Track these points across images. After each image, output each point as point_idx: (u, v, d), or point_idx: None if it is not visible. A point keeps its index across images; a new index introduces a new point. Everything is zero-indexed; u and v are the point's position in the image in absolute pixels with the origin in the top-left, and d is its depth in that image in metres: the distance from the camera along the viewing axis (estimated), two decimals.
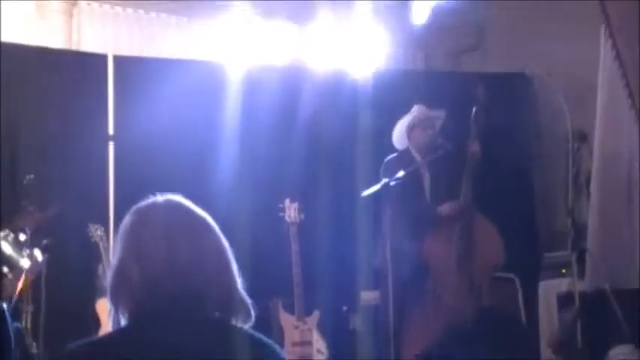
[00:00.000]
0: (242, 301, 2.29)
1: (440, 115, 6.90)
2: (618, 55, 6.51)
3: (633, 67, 6.21)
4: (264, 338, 2.29)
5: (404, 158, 6.82)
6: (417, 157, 6.85)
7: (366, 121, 7.19)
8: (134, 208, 2.33)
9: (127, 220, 2.31)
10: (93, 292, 6.40)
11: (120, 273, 2.26)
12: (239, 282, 2.31)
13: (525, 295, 7.20)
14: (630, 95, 6.41)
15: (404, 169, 6.50)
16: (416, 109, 6.90)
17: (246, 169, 7.07)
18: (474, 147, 6.63)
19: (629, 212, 6.95)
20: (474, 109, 6.66)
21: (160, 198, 2.36)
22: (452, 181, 6.67)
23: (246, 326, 2.29)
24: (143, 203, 2.33)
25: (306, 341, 6.68)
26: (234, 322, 2.27)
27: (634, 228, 6.90)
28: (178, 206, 2.34)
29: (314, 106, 7.33)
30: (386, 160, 6.81)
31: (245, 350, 2.24)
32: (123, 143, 7.15)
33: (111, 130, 7.19)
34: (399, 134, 6.90)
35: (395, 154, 6.86)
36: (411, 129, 6.86)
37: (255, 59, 7.47)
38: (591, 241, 6.96)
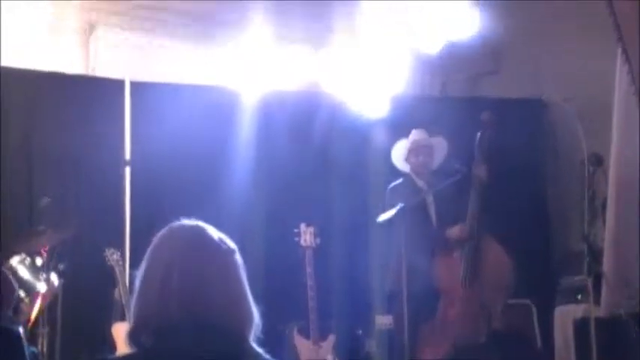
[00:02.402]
0: (253, 314, 2.31)
1: (440, 142, 6.90)
2: (631, 70, 6.54)
3: None
4: None
5: (407, 184, 6.83)
6: (418, 182, 6.85)
7: (380, 146, 7.19)
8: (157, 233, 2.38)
9: (151, 245, 2.34)
10: (109, 316, 6.42)
11: (143, 294, 2.29)
12: (250, 297, 2.34)
13: (541, 321, 7.18)
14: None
15: (409, 195, 6.52)
16: (413, 134, 6.91)
17: (262, 193, 7.10)
18: (480, 170, 6.62)
19: None
20: (479, 133, 6.67)
21: (181, 222, 2.39)
22: (458, 206, 6.67)
23: (260, 349, 2.31)
24: (164, 228, 2.37)
25: None
26: (247, 335, 2.29)
27: None
28: (197, 229, 2.38)
29: (329, 130, 7.35)
30: (390, 186, 6.82)
31: None
32: (139, 168, 7.18)
33: (127, 155, 7.23)
34: (397, 157, 6.92)
35: (398, 181, 6.87)
36: (408, 154, 6.87)
37: (271, 84, 7.50)
38: (607, 266, 6.95)
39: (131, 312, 2.33)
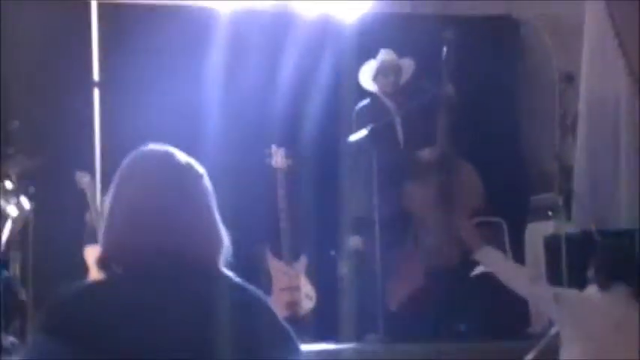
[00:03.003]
0: (223, 238, 2.31)
1: (407, 62, 6.88)
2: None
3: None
4: (248, 285, 2.31)
5: (375, 104, 6.82)
6: (387, 102, 6.84)
7: (351, 67, 7.13)
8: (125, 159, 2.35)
9: (119, 171, 2.33)
10: (81, 239, 6.40)
11: (110, 223, 2.28)
12: (219, 222, 2.32)
13: (512, 238, 7.24)
14: (620, 45, 6.42)
15: (377, 116, 6.52)
16: (381, 54, 6.87)
17: (233, 115, 7.04)
18: (447, 89, 6.62)
19: (615, 153, 6.98)
20: (444, 51, 6.63)
21: (148, 147, 2.37)
22: (426, 126, 6.67)
23: (230, 273, 2.30)
24: (131, 153, 2.35)
25: (294, 286, 6.71)
26: (217, 260, 2.29)
27: (620, 169, 6.93)
28: (165, 154, 2.35)
29: (301, 51, 7.28)
30: (357, 107, 6.81)
31: (231, 296, 2.26)
32: (108, 90, 7.12)
33: (96, 77, 7.16)
34: (364, 78, 6.90)
35: (366, 101, 6.85)
36: (376, 75, 6.85)
37: (242, 2, 7.39)
38: (578, 183, 7.00)
39: (100, 238, 2.32)
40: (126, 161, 2.35)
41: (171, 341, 2.17)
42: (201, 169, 2.36)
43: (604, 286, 4.66)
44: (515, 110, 8.04)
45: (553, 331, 4.95)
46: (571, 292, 4.78)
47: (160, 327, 2.17)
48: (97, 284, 2.29)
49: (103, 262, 2.29)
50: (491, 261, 4.89)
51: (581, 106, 7.17)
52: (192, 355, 2.17)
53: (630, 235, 6.57)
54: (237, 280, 2.31)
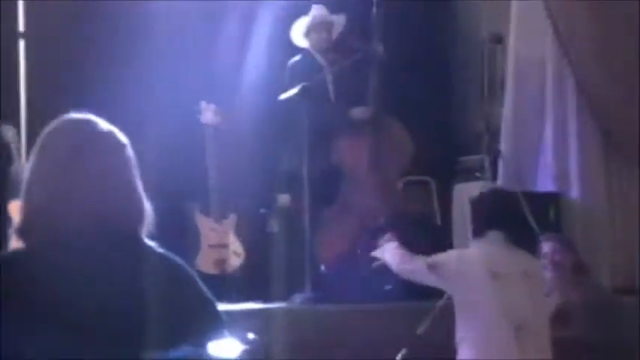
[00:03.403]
0: (145, 209, 2.29)
1: (338, 19, 6.88)
2: None
3: None
4: (170, 255, 2.31)
5: (306, 61, 6.80)
6: (319, 59, 6.84)
7: (283, 23, 7.08)
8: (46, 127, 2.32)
9: (39, 139, 2.30)
10: (5, 193, 6.30)
11: (29, 193, 2.27)
12: (142, 192, 2.31)
13: (440, 198, 7.32)
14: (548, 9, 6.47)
15: (309, 72, 6.50)
16: (313, 11, 6.86)
17: (163, 70, 6.94)
18: (377, 48, 6.63)
19: (542, 116, 7.07)
20: (373, 9, 6.63)
21: (69, 116, 2.34)
22: (358, 84, 6.68)
23: (153, 243, 2.30)
24: (53, 121, 2.32)
25: (222, 243, 6.70)
26: (139, 231, 2.28)
27: (546, 132, 7.02)
28: (86, 123, 2.32)
29: (231, 7, 7.20)
30: (289, 63, 6.79)
31: (152, 266, 2.27)
32: (34, 41, 6.98)
33: (21, 27, 7.02)
34: (296, 34, 6.88)
35: (297, 57, 6.83)
36: (308, 31, 6.84)
37: None
38: (504, 144, 7.07)
39: (21, 207, 2.29)
40: (47, 129, 2.33)
41: (95, 310, 2.17)
42: (123, 138, 2.34)
43: (478, 234, 4.82)
44: (446, 71, 8.08)
45: (441, 302, 5.05)
46: (443, 255, 4.86)
47: (84, 296, 2.19)
48: (20, 253, 2.28)
49: (22, 232, 2.27)
50: (385, 253, 5.02)
51: (509, 68, 7.23)
52: (118, 323, 2.17)
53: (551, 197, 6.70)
54: (160, 250, 2.31)
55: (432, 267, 4.76)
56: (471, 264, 4.76)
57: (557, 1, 6.83)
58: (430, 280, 4.80)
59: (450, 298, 4.86)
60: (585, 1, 6.75)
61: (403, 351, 5.07)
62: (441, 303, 5.10)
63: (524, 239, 4.99)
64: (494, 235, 4.80)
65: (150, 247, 2.30)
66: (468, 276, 4.72)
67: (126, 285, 2.21)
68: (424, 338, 5.08)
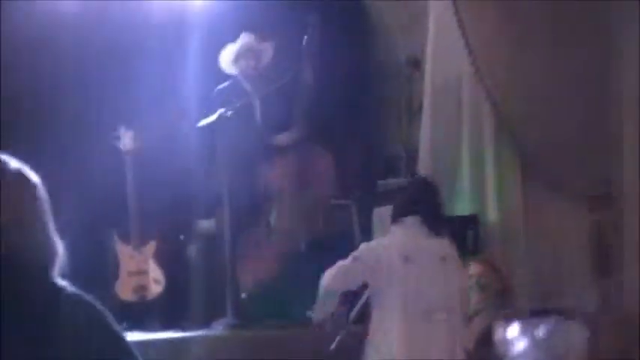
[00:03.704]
0: (56, 249, 2.27)
1: (267, 47, 6.91)
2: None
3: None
4: (83, 295, 2.29)
5: (234, 88, 6.82)
6: (247, 86, 6.86)
7: (201, 50, 7.07)
8: None
9: None
10: None
11: None
12: (53, 232, 2.28)
13: (360, 221, 7.36)
14: (463, 33, 6.57)
15: (236, 99, 6.52)
16: (242, 38, 6.89)
17: (80, 96, 6.87)
18: (306, 75, 6.67)
19: (459, 139, 7.15)
20: (305, 37, 6.68)
21: None
22: (284, 111, 6.72)
23: (65, 283, 2.28)
24: None
25: (142, 270, 6.65)
26: (50, 271, 2.25)
27: (463, 155, 7.10)
28: None
29: (158, 34, 7.15)
30: (217, 89, 6.80)
31: (64, 307, 2.25)
32: None
33: None
34: (224, 61, 6.90)
35: (225, 84, 6.85)
36: (236, 58, 6.86)
37: None
38: (422, 167, 7.14)
39: None
40: None
41: (5, 353, 2.13)
42: (34, 177, 2.32)
43: (396, 220, 5.00)
44: (365, 95, 8.13)
45: (353, 313, 5.18)
46: (364, 244, 5.07)
47: None
48: None
49: None
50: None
51: (426, 92, 7.31)
52: None
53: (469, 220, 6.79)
54: (71, 289, 2.28)
55: (356, 258, 4.91)
56: (385, 248, 4.94)
57: (473, 27, 6.92)
58: (356, 270, 4.90)
59: (363, 307, 4.96)
60: (499, 25, 6.85)
61: None
62: (353, 314, 5.17)
63: (440, 227, 5.14)
64: (411, 220, 4.98)
65: (61, 288, 2.27)
66: (381, 260, 4.87)
67: (36, 327, 2.18)
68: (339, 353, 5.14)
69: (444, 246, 5.06)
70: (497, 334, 4.90)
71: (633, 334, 6.28)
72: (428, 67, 7.27)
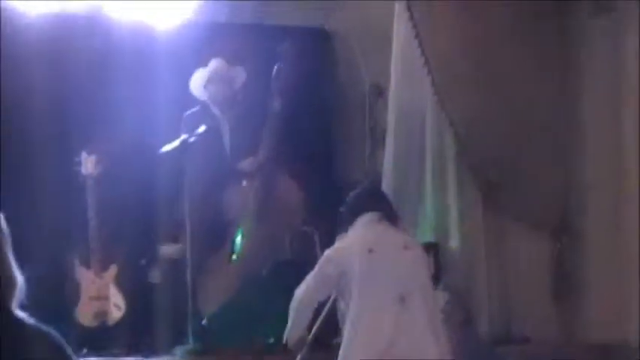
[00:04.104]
0: (15, 281, 2.26)
1: (239, 72, 6.92)
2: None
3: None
4: (42, 327, 2.28)
5: (203, 113, 6.83)
6: (216, 111, 6.87)
7: (169, 75, 7.04)
8: None
9: None
10: None
11: None
12: (12, 264, 2.27)
13: (323, 248, 7.35)
14: (426, 62, 6.62)
15: (203, 124, 6.52)
16: (213, 63, 6.89)
17: (41, 121, 6.81)
18: (275, 103, 6.69)
19: (422, 167, 7.18)
20: (275, 66, 6.70)
21: None
22: (252, 137, 6.73)
23: (24, 315, 2.26)
24: None
25: (102, 295, 6.60)
26: (8, 303, 2.24)
27: (426, 183, 7.14)
28: None
29: (113, 56, 7.12)
30: (185, 114, 6.80)
31: (22, 340, 2.23)
32: None
33: None
34: (195, 86, 6.90)
35: (194, 109, 6.85)
36: (206, 83, 6.86)
37: (52, 6, 7.16)
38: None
39: None
40: None
41: None
42: None
43: (351, 222, 5.14)
44: (329, 122, 8.15)
45: (314, 329, 5.21)
46: (327, 251, 5.18)
47: None
48: None
49: None
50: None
51: (390, 120, 7.34)
52: None
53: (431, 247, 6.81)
54: (30, 321, 2.27)
55: (327, 259, 5.05)
56: (350, 244, 5.07)
57: (435, 54, 6.98)
58: (329, 273, 4.99)
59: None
60: (463, 52, 6.91)
61: None
62: (314, 330, 5.19)
63: (397, 220, 5.31)
64: (369, 216, 5.11)
65: (19, 320, 2.26)
66: (349, 256, 4.97)
67: None
68: None
69: (404, 236, 5.23)
70: None
71: None
72: (391, 94, 7.31)
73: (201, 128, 6.44)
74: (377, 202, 5.28)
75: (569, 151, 7.00)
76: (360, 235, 5.11)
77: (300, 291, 5.07)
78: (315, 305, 5.13)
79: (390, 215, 5.24)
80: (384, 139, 7.37)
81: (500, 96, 6.90)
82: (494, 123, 6.94)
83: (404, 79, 7.28)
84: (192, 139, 6.32)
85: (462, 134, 6.95)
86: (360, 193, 5.39)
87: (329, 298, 5.19)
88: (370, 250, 5.00)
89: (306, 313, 5.10)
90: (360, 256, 4.98)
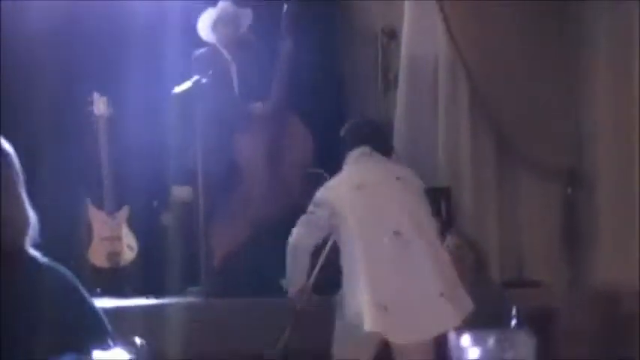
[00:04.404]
0: (28, 219, 2.27)
1: (246, 13, 6.87)
2: None
3: None
4: (55, 265, 2.28)
5: (212, 54, 6.78)
6: (225, 53, 6.82)
7: (178, 14, 7.00)
8: None
9: None
10: None
11: None
12: (25, 202, 2.27)
13: None
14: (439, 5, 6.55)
15: (213, 65, 6.48)
16: (220, 5, 6.84)
17: (55, 62, 6.80)
18: (285, 44, 6.64)
19: (435, 112, 7.16)
20: (285, 5, 6.64)
21: None
22: (262, 79, 6.69)
23: (37, 254, 2.27)
24: None
25: (115, 236, 6.62)
26: (22, 241, 2.24)
27: (439, 128, 7.12)
28: None
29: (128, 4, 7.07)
30: (194, 55, 6.75)
31: (36, 278, 2.24)
32: None
33: None
34: (202, 28, 6.85)
35: (203, 50, 6.80)
36: (214, 24, 6.81)
37: None
38: (397, 138, 7.14)
39: None
40: None
41: None
42: (7, 147, 2.30)
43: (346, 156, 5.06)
44: (341, 66, 8.10)
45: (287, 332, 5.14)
46: (317, 193, 5.05)
47: None
48: None
49: None
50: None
51: (402, 64, 7.30)
52: (1, 336, 2.13)
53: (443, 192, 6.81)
54: (44, 259, 2.28)
55: (316, 204, 4.94)
56: (338, 184, 4.99)
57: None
58: (321, 216, 4.90)
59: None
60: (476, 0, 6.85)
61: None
62: (312, 277, 5.12)
63: (391, 151, 5.23)
64: (360, 150, 5.01)
65: (34, 258, 2.27)
66: (337, 195, 4.89)
67: (9, 297, 2.18)
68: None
69: (398, 168, 5.08)
70: (452, 341, 4.91)
71: (607, 310, 6.36)
72: (404, 38, 7.26)
73: (211, 70, 6.39)
74: (366, 136, 5.12)
75: (581, 99, 6.96)
76: (348, 172, 5.01)
77: (292, 238, 4.95)
78: (311, 250, 4.98)
79: (382, 148, 5.09)
80: (396, 81, 7.34)
81: (515, 40, 6.85)
82: (509, 68, 6.90)
83: (417, 22, 7.23)
84: (204, 80, 6.28)
85: (476, 78, 6.91)
86: (349, 128, 5.27)
87: (326, 243, 5.09)
88: (359, 187, 4.86)
89: (302, 259, 4.96)
90: (349, 194, 4.86)
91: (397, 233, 4.74)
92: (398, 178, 4.95)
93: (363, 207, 4.82)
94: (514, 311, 4.57)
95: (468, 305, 4.73)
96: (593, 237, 6.88)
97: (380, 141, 5.16)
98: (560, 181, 7.00)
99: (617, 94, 6.78)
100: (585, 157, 6.96)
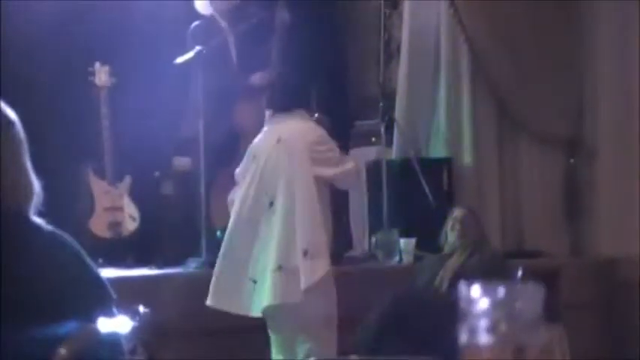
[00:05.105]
0: (32, 188, 2.27)
1: None
2: None
3: None
4: (58, 232, 2.30)
5: (210, 25, 6.75)
6: (222, 23, 6.79)
7: None
8: None
9: None
10: None
11: None
12: (29, 171, 2.28)
13: None
14: None
15: (211, 36, 6.45)
16: None
17: (54, 30, 6.77)
18: (283, 13, 6.61)
19: (436, 82, 7.14)
20: None
21: None
22: (261, 50, 6.66)
23: (41, 221, 2.28)
24: None
25: (117, 206, 6.62)
26: (26, 210, 2.25)
27: (440, 97, 7.11)
28: None
29: None
30: (192, 26, 6.72)
31: (40, 245, 2.26)
32: None
33: None
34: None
35: (200, 21, 6.77)
36: None
37: None
38: (399, 109, 7.14)
39: None
40: None
41: None
42: (11, 115, 2.30)
43: None
44: (343, 36, 8.06)
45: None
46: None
47: None
48: None
49: None
50: None
51: (404, 33, 7.28)
52: (5, 301, 2.14)
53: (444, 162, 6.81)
54: (48, 227, 2.29)
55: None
56: (245, 158, 4.93)
57: None
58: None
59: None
60: None
61: None
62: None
63: (294, 102, 4.99)
64: (269, 112, 4.91)
65: (38, 226, 2.28)
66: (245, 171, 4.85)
67: (13, 264, 2.19)
68: None
69: (285, 126, 4.72)
70: (461, 292, 4.92)
71: (607, 278, 6.39)
72: (407, 7, 7.24)
73: (212, 41, 6.37)
74: (274, 95, 5.07)
75: (582, 68, 6.96)
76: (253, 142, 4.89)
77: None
78: None
79: (286, 105, 4.88)
80: (398, 51, 7.32)
81: (517, 8, 6.83)
82: (510, 36, 6.88)
83: None
84: (206, 51, 6.26)
85: (477, 47, 6.90)
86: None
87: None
88: (253, 157, 4.73)
89: None
90: (245, 159, 4.82)
91: (270, 204, 4.63)
92: (278, 140, 4.68)
93: (247, 174, 4.79)
94: (520, 271, 4.59)
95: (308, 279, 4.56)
96: (593, 206, 6.89)
97: (284, 100, 5.03)
98: (561, 150, 7.00)
99: (618, 62, 6.77)
100: (587, 125, 6.96)
